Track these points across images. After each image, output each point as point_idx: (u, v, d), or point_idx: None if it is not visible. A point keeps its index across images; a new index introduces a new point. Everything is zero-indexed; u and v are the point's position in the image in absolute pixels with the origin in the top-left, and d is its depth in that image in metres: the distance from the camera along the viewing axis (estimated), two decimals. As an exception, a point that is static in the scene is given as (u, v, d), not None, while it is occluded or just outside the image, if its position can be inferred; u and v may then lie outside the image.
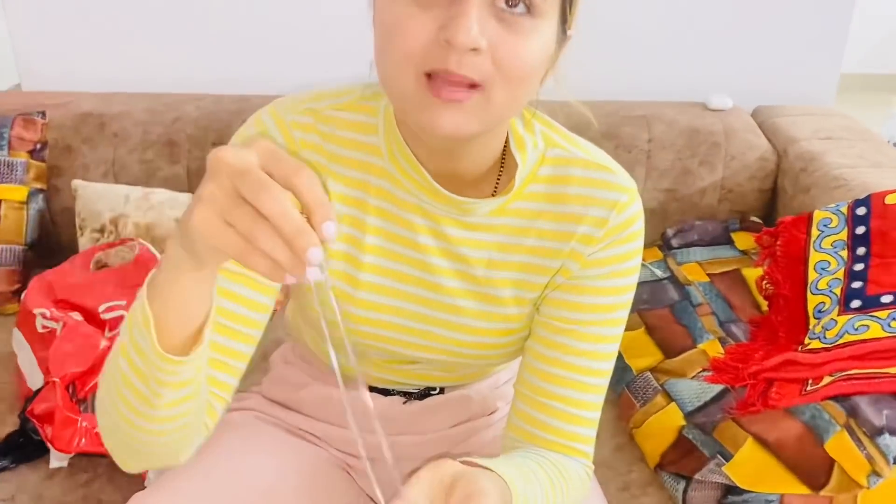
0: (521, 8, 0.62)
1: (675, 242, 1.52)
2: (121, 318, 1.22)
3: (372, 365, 0.87)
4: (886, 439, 0.90)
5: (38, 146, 1.57)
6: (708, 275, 1.40)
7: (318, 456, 0.92)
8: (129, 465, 0.72)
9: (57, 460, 1.11)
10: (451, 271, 0.79)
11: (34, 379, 1.18)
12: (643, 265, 1.44)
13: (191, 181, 1.59)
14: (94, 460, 1.12)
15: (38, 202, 1.56)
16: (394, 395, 0.93)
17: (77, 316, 1.21)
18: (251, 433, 0.92)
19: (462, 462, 0.62)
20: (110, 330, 1.21)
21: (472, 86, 0.62)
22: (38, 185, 1.56)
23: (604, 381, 0.78)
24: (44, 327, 1.20)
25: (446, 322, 0.81)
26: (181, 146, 1.60)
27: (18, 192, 1.52)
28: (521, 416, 0.79)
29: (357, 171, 0.76)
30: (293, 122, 0.74)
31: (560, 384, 0.76)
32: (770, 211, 1.58)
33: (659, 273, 1.43)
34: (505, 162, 0.76)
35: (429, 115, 0.63)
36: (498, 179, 0.77)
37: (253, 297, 0.73)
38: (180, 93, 1.72)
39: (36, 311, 1.22)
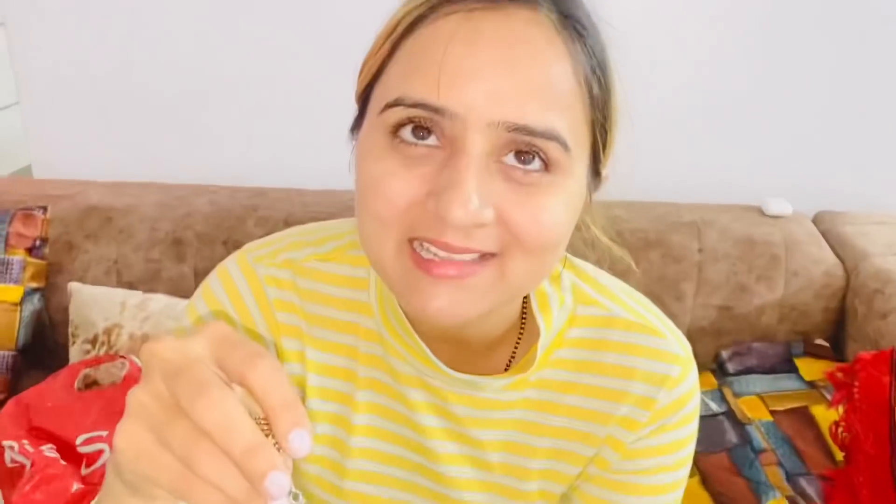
0: (536, 163, 0.49)
1: (730, 367, 1.36)
2: (99, 453, 1.09)
3: None
4: None
5: (38, 242, 1.47)
6: (771, 412, 1.23)
7: None
8: None
9: None
10: (459, 457, 0.65)
11: (-1, 519, 1.04)
12: (695, 395, 1.28)
13: (196, 282, 1.48)
14: None
15: (34, 302, 1.46)
16: None
17: (50, 451, 1.07)
18: None
19: None
20: (87, 465, 1.07)
21: (483, 256, 0.50)
22: (35, 285, 1.46)
23: None
24: (12, 461, 1.07)
25: None
26: (189, 245, 1.49)
27: (12, 293, 1.42)
28: None
29: (344, 335, 0.64)
30: (267, 276, 0.63)
31: None
32: (838, 332, 1.41)
33: (714, 407, 1.27)
34: (525, 324, 0.63)
35: (419, 298, 0.51)
36: (517, 345, 0.63)
37: None
38: (194, 183, 1.63)
39: (5, 443, 1.09)
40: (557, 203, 0.50)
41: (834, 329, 1.42)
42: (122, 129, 1.73)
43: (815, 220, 1.57)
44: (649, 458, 0.63)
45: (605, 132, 0.53)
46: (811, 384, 1.28)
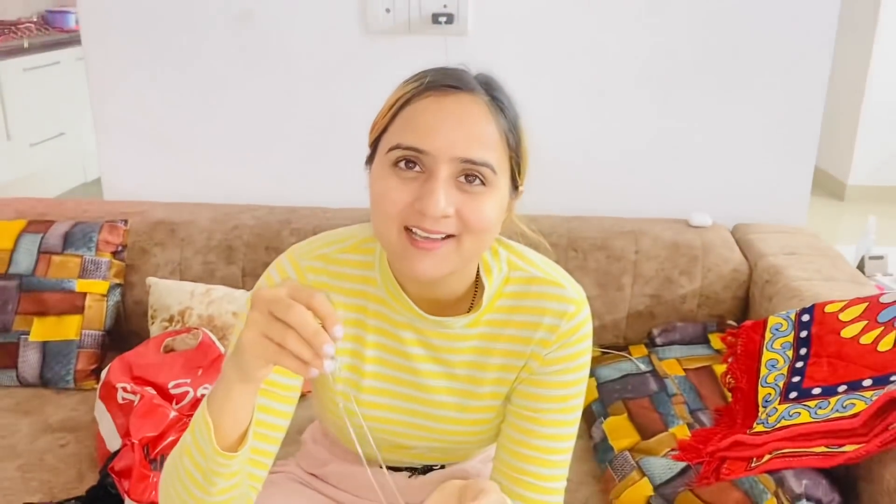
0: (477, 182, 0.83)
1: (658, 341, 1.74)
2: (186, 393, 1.47)
3: (381, 447, 1.04)
4: (804, 503, 1.10)
5: (120, 248, 1.85)
6: (684, 370, 1.61)
7: None
8: None
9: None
10: (436, 373, 0.96)
11: (113, 442, 1.42)
12: (630, 359, 1.67)
13: (245, 280, 1.86)
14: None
15: (116, 295, 1.83)
16: (401, 471, 1.11)
17: (151, 391, 1.46)
18: (291, 490, 1.14)
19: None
20: (177, 403, 1.45)
21: (447, 236, 0.83)
22: (117, 281, 1.84)
23: (566, 457, 0.94)
24: (123, 399, 1.45)
25: (434, 416, 0.98)
26: (237, 250, 1.87)
27: (101, 287, 1.80)
28: (497, 484, 0.94)
29: (358, 298, 0.96)
30: (307, 266, 0.94)
31: (528, 461, 0.92)
32: (744, 314, 1.80)
33: (643, 367, 1.65)
34: (478, 284, 0.95)
35: (409, 262, 0.83)
36: (473, 298, 0.95)
37: (277, 407, 0.92)
38: (239, 203, 2.02)
39: (118, 385, 1.47)
40: (491, 203, 0.84)
41: (740, 312, 1.80)
42: (180, 156, 2.10)
43: (733, 231, 1.96)
44: (557, 364, 0.93)
45: (518, 164, 0.88)
46: (718, 351, 1.67)
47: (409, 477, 1.11)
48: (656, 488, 1.30)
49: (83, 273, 1.78)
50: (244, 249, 1.87)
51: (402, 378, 0.97)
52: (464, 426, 0.99)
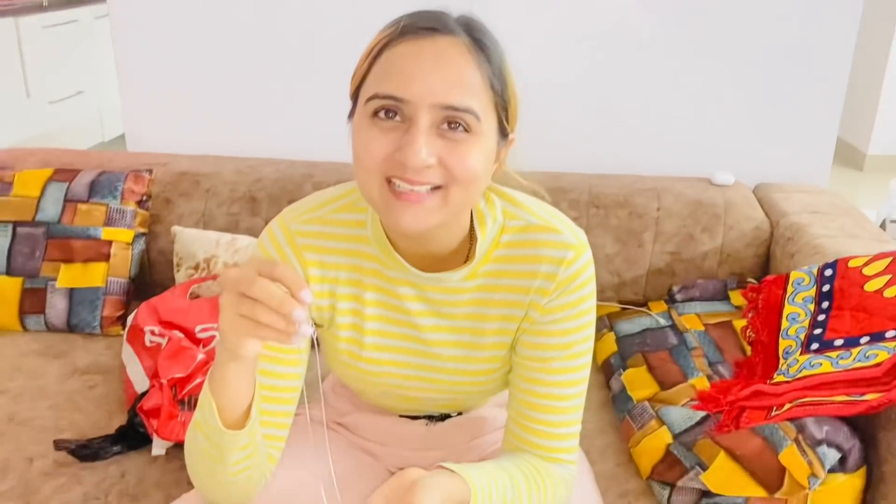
0: (460, 129, 0.79)
1: (678, 297, 1.74)
2: (213, 337, 1.49)
3: (392, 400, 1.06)
4: (824, 449, 1.11)
5: (144, 198, 1.87)
6: (704, 325, 1.62)
7: (368, 462, 1.12)
8: (212, 502, 0.93)
9: (158, 448, 1.36)
10: (437, 327, 0.95)
11: (140, 384, 1.45)
12: (650, 314, 1.68)
13: (267, 231, 1.88)
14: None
15: (140, 244, 1.85)
16: (419, 419, 1.12)
17: (178, 334, 1.49)
18: (314, 430, 1.16)
19: (438, 466, 0.79)
20: (204, 346, 1.48)
21: (434, 188, 0.79)
22: (142, 230, 1.86)
23: (576, 402, 0.92)
24: (151, 342, 1.48)
25: (438, 368, 0.97)
26: (261, 202, 1.89)
27: (126, 235, 1.82)
28: (512, 434, 0.94)
29: (353, 258, 0.94)
30: (297, 231, 0.92)
31: (538, 409, 0.91)
32: (765, 273, 1.80)
33: (662, 322, 1.66)
34: (473, 236, 0.92)
35: (394, 215, 0.80)
36: (469, 251, 0.92)
37: (284, 371, 0.93)
38: (262, 157, 2.03)
39: (145, 328, 1.50)
40: (476, 151, 0.79)
41: (761, 270, 1.80)
42: (202, 110, 2.11)
43: (755, 190, 1.96)
44: (558, 313, 0.90)
45: (505, 110, 0.83)
46: (738, 307, 1.68)
47: (427, 425, 1.13)
48: (675, 436, 1.32)
49: (109, 221, 1.81)
50: (267, 201, 1.88)
51: (404, 333, 0.96)
52: (468, 377, 0.98)
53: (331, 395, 1.22)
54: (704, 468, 1.21)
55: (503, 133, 0.85)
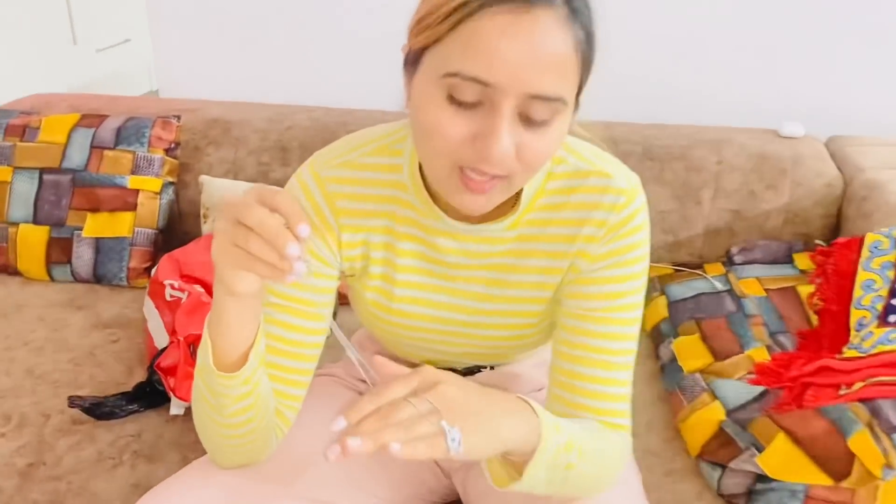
0: (546, 115, 0.70)
1: (737, 259, 1.61)
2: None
3: (422, 353, 0.99)
4: (901, 436, 0.99)
5: (173, 145, 1.80)
6: (765, 290, 1.48)
7: None
8: (221, 461, 0.87)
9: (176, 408, 1.30)
10: (473, 279, 0.90)
11: (160, 339, 1.39)
12: (705, 277, 1.55)
13: (299, 182, 1.80)
14: (206, 412, 1.31)
15: (169, 194, 1.79)
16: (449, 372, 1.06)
17: (199, 288, 1.41)
18: (334, 395, 1.08)
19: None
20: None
21: (497, 176, 0.73)
22: (170, 179, 1.79)
23: (627, 359, 0.85)
24: (171, 296, 1.41)
25: (470, 323, 0.92)
26: (292, 151, 1.80)
27: (154, 184, 1.75)
28: (557, 399, 0.86)
29: (387, 204, 0.87)
30: (328, 177, 0.86)
31: (586, 364, 0.84)
32: (835, 235, 1.65)
33: (719, 286, 1.53)
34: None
35: (458, 198, 0.75)
36: (515, 201, 0.85)
37: (301, 324, 0.86)
38: (295, 104, 1.93)
39: (166, 282, 1.43)
40: (557, 136, 0.72)
41: (830, 232, 1.65)
42: (235, 58, 2.05)
43: (827, 143, 1.79)
44: (608, 259, 0.84)
45: (585, 81, 0.74)
46: (803, 271, 1.53)
47: None
48: (729, 413, 1.20)
49: (135, 169, 1.74)
50: (299, 151, 1.80)
51: (437, 285, 0.91)
52: (502, 331, 0.93)
53: (358, 349, 1.14)
54: (761, 449, 1.11)
55: (577, 103, 0.76)
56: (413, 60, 0.75)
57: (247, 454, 0.86)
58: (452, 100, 0.70)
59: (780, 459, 1.08)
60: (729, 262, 1.62)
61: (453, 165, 0.73)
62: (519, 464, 0.72)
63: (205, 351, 0.75)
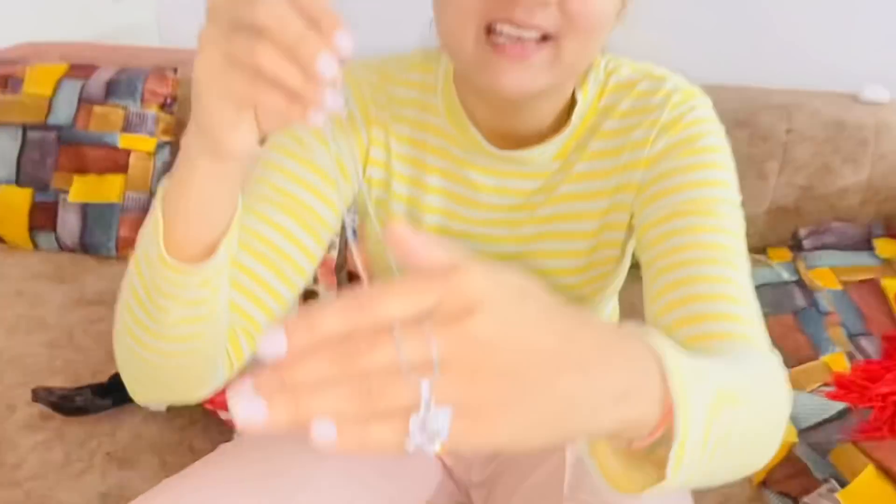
0: None
1: (807, 244, 1.42)
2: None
3: None
4: None
5: (169, 100, 1.63)
6: (841, 282, 1.30)
7: None
8: (141, 393, 0.67)
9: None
10: (515, 221, 0.77)
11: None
12: (769, 265, 1.36)
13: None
14: (192, 409, 1.15)
15: (164, 155, 1.61)
16: None
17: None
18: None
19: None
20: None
21: (543, 38, 0.61)
22: (166, 139, 1.62)
23: (738, 259, 0.65)
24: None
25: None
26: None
27: (147, 143, 1.59)
28: (667, 325, 0.64)
29: (416, 130, 0.76)
30: (363, 79, 0.75)
31: (691, 264, 0.64)
32: (923, 218, 1.44)
33: (785, 276, 1.34)
34: (573, 105, 0.72)
35: (492, 74, 0.62)
36: (565, 121, 0.73)
37: (297, 234, 0.68)
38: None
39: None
40: None
41: (918, 214, 1.45)
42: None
43: (915, 110, 1.57)
44: (670, 153, 0.69)
45: None
46: (886, 261, 1.33)
47: None
48: (801, 433, 1.02)
49: (127, 127, 1.58)
50: (309, 108, 1.61)
51: (467, 230, 0.78)
52: (562, 276, 0.78)
53: None
54: (843, 484, 0.93)
55: None
56: None
57: (179, 386, 0.64)
58: None
59: (869, 498, 0.90)
60: (797, 246, 1.44)
61: (480, 29, 0.61)
62: (637, 449, 0.44)
63: (153, 233, 0.53)
